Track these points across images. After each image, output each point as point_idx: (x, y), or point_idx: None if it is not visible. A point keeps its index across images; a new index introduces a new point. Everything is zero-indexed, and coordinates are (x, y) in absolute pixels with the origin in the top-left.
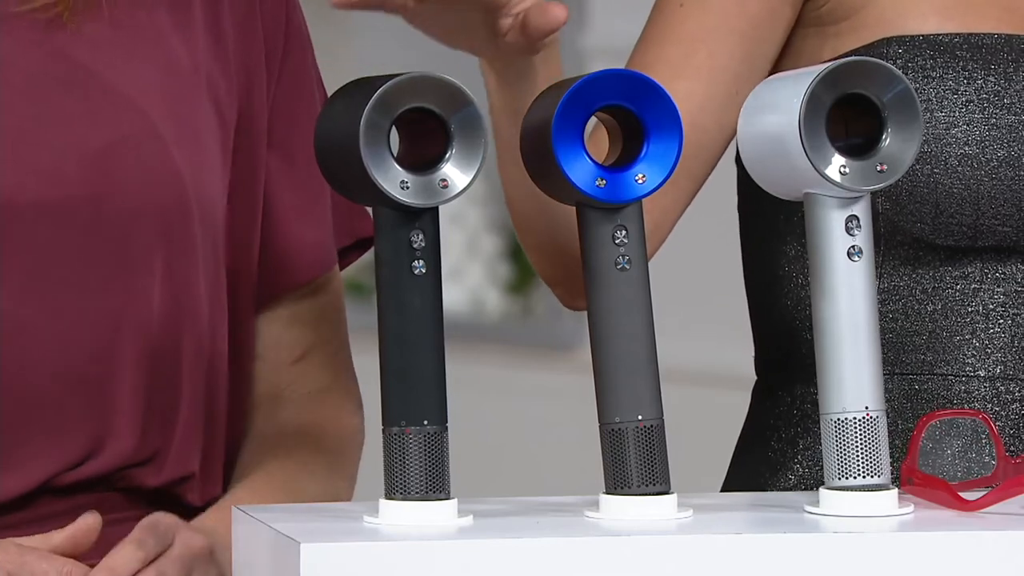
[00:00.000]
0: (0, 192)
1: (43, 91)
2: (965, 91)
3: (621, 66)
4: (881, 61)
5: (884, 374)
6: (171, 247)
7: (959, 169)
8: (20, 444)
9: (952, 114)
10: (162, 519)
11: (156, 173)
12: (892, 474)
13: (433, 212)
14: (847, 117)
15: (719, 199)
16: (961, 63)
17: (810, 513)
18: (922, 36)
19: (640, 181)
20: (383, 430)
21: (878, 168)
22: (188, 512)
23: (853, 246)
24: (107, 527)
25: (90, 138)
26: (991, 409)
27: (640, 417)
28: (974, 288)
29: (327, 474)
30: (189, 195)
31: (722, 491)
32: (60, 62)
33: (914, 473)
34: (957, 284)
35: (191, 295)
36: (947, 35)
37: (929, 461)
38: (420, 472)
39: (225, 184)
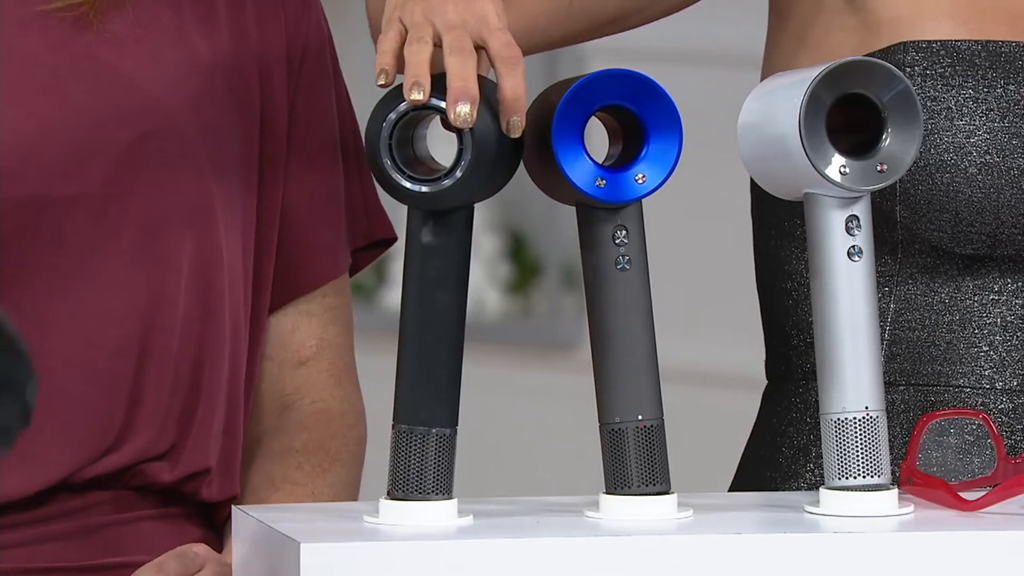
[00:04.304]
0: (27, 189)
1: (69, 89)
2: (985, 99)
3: (621, 66)
4: (881, 61)
5: (900, 385)
6: (196, 244)
7: (979, 178)
8: (39, 440)
9: (972, 122)
10: (192, 548)
11: (180, 171)
12: (893, 474)
13: (469, 211)
14: (847, 117)
15: (722, 200)
16: (980, 71)
17: (810, 513)
18: (939, 42)
19: (640, 181)
20: (393, 426)
21: (878, 168)
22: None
23: (853, 246)
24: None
25: (115, 136)
26: (1008, 423)
27: (640, 417)
28: (992, 299)
29: (334, 494)
30: (212, 193)
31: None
32: (85, 60)
33: (914, 473)
34: (975, 295)
35: (215, 292)
36: (965, 42)
37: (929, 461)
38: (429, 472)
39: (251, 182)
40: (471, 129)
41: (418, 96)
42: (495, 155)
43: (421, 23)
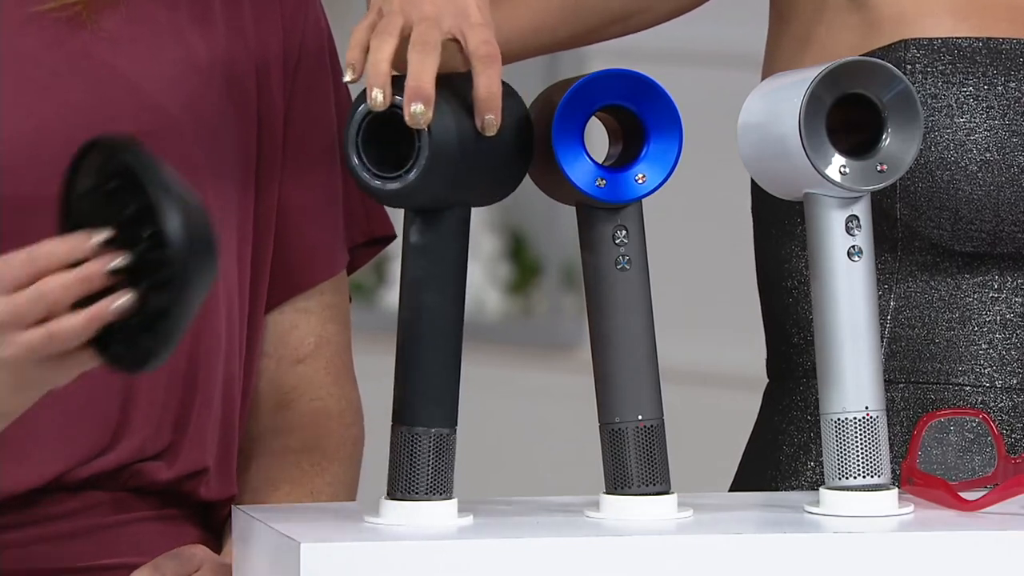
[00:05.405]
0: (25, 188)
1: (67, 88)
2: (986, 97)
3: (621, 66)
4: (881, 61)
5: (899, 383)
6: None
7: (979, 175)
8: (34, 438)
9: (973, 120)
10: (188, 548)
11: (175, 169)
12: (893, 474)
13: (463, 211)
14: (847, 117)
15: (722, 200)
16: (981, 68)
17: (810, 513)
18: (940, 39)
19: (640, 181)
20: (393, 426)
21: (878, 168)
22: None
23: (853, 246)
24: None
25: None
26: (1007, 421)
27: (640, 417)
28: (992, 297)
29: (332, 492)
30: (208, 192)
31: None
32: (83, 60)
33: (914, 473)
34: (975, 293)
35: (210, 291)
36: (965, 39)
37: (929, 460)
38: (429, 473)
39: (247, 182)
40: (429, 128)
41: (378, 100)
42: (457, 153)
43: (394, 13)
